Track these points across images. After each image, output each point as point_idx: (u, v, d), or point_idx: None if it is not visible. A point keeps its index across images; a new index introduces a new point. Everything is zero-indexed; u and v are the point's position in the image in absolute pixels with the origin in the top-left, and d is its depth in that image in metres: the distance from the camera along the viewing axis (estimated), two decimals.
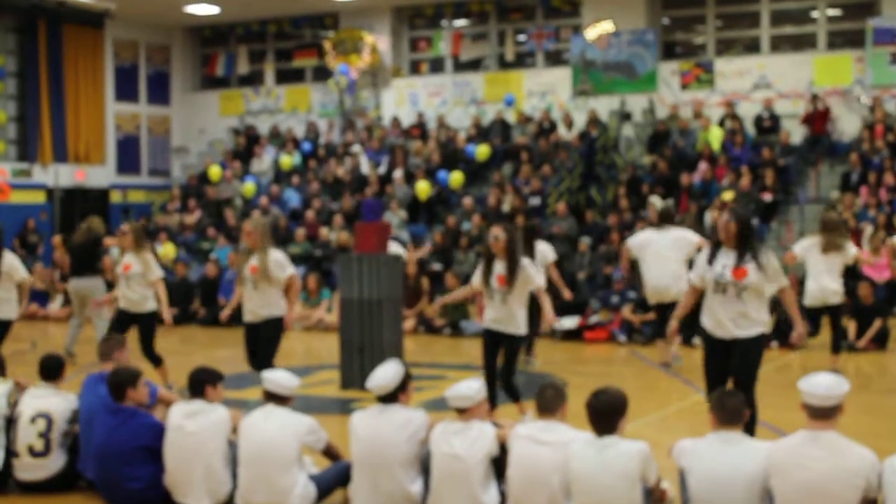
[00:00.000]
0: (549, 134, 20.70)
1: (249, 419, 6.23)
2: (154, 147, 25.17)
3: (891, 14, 19.28)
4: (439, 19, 23.51)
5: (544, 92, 21.94)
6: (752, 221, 7.11)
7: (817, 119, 19.33)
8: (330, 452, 6.39)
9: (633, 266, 12.66)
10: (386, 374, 6.11)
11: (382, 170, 21.24)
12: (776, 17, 20.85)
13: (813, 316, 11.08)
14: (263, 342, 9.30)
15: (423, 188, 19.66)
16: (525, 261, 8.35)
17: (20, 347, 13.00)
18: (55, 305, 18.41)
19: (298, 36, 24.65)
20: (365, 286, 10.48)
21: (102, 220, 13.67)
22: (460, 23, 23.48)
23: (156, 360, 10.21)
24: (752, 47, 20.97)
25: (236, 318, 10.02)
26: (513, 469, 5.59)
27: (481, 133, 21.53)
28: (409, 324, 14.82)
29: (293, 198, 21.40)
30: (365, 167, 21.48)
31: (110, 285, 13.07)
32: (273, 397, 6.27)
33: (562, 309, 14.13)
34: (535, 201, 18.84)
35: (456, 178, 19.72)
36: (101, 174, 23.70)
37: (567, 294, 12.80)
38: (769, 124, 19.72)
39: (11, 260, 10.17)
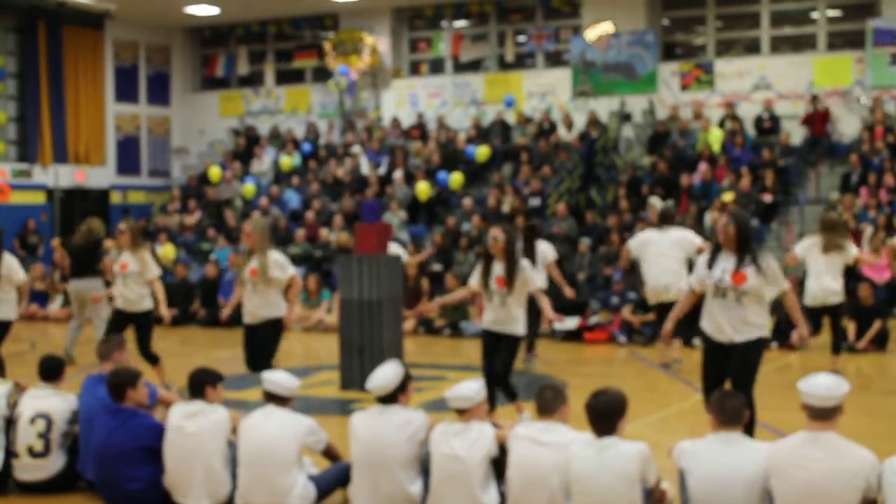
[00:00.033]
0: (548, 135, 20.70)
1: (249, 420, 6.23)
2: (154, 148, 25.18)
3: (891, 15, 19.29)
4: (439, 20, 23.51)
5: (544, 93, 21.94)
6: (750, 224, 7.08)
7: (817, 120, 19.33)
8: (330, 453, 6.39)
9: (634, 267, 12.66)
10: (386, 374, 6.11)
11: (382, 170, 21.24)
12: (776, 18, 20.86)
13: (813, 316, 11.08)
14: (263, 343, 9.31)
15: (422, 189, 19.66)
16: (524, 262, 8.35)
17: (20, 348, 13.00)
18: (55, 306, 18.41)
19: (298, 37, 24.65)
20: (365, 287, 10.48)
21: (102, 222, 13.68)
22: (460, 24, 23.48)
23: (152, 359, 10.23)
24: (752, 48, 20.97)
25: (236, 318, 10.03)
26: (512, 470, 5.59)
27: (481, 134, 21.53)
28: (408, 324, 14.82)
29: (293, 198, 21.40)
30: (365, 168, 21.48)
31: (110, 286, 13.08)
32: (273, 398, 6.27)
33: (562, 309, 14.15)
34: (534, 202, 18.84)
35: (456, 178, 19.72)
36: (101, 175, 23.70)
37: (569, 292, 12.81)
38: (769, 125, 19.72)
39: (10, 261, 10.17)
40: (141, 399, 6.57)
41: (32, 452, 6.67)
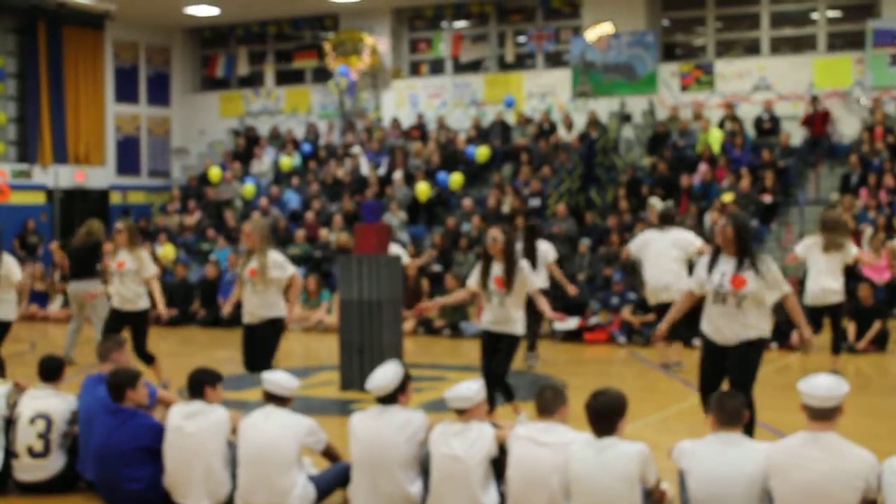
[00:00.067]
0: (548, 135, 20.71)
1: (249, 420, 6.23)
2: (154, 148, 25.18)
3: (890, 15, 19.29)
4: (439, 21, 23.51)
5: (544, 93, 21.94)
6: (749, 225, 7.05)
7: (817, 121, 19.33)
8: (329, 453, 6.39)
9: (634, 267, 12.65)
10: (385, 375, 6.11)
11: (382, 171, 21.24)
12: (776, 19, 20.86)
13: (814, 315, 11.09)
14: (262, 343, 9.31)
15: (422, 189, 19.66)
16: (523, 262, 8.35)
17: (20, 348, 13.00)
18: (55, 306, 18.41)
19: (298, 37, 24.65)
20: (364, 287, 10.48)
21: (102, 223, 13.68)
22: (460, 24, 23.48)
23: (147, 359, 10.23)
24: (752, 49, 20.97)
25: (236, 318, 10.03)
26: (512, 470, 5.59)
27: (481, 134, 21.54)
28: (408, 325, 14.82)
29: (293, 199, 21.40)
30: (365, 168, 21.48)
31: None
32: (273, 398, 6.27)
33: (563, 310, 14.14)
34: (534, 203, 18.84)
35: (456, 179, 19.73)
36: (101, 175, 23.70)
37: (572, 290, 12.84)
38: (769, 126, 19.72)
39: (9, 262, 10.18)
40: (140, 399, 6.57)
41: (32, 453, 6.67)
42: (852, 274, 13.12)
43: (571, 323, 14.31)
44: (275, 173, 22.70)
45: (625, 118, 20.78)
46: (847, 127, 19.47)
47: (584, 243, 17.17)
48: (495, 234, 8.23)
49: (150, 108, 25.08)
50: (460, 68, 23.31)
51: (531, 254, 11.65)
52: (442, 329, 15.34)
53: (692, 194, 18.16)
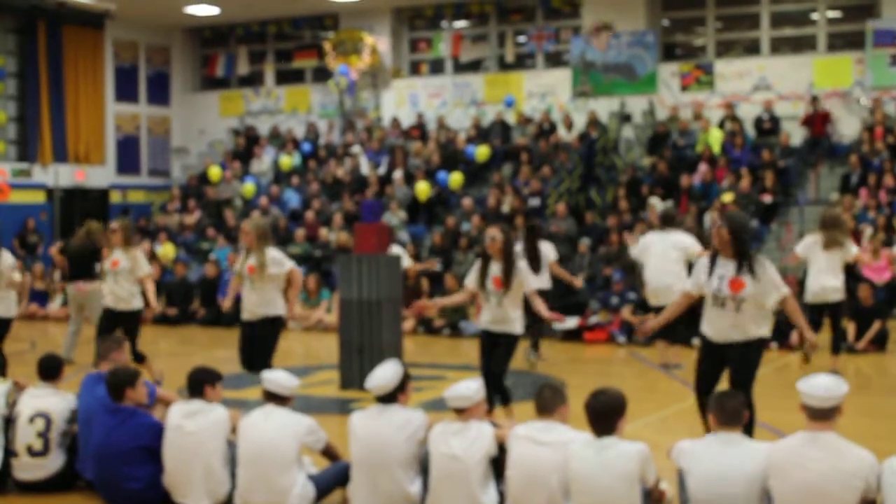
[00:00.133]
0: (548, 135, 20.70)
1: (249, 419, 6.23)
2: (154, 147, 25.18)
3: (890, 16, 19.28)
4: (439, 20, 23.50)
5: (544, 93, 21.94)
6: (746, 226, 6.98)
7: (817, 121, 19.33)
8: (329, 452, 6.39)
9: (633, 267, 12.66)
10: (385, 374, 6.11)
11: (382, 170, 21.23)
12: (776, 19, 20.85)
13: (814, 314, 11.10)
14: (261, 341, 9.30)
15: (422, 189, 19.67)
16: (521, 263, 8.34)
17: (20, 347, 12.99)
18: (55, 305, 18.41)
19: (298, 37, 24.65)
20: (364, 287, 10.48)
21: (101, 223, 13.66)
22: (460, 24, 23.48)
23: (139, 358, 10.25)
24: (752, 49, 20.97)
25: (237, 318, 10.03)
26: (512, 469, 5.59)
27: (481, 134, 21.53)
28: (408, 324, 14.82)
29: (293, 198, 21.40)
30: (365, 168, 21.48)
31: None
32: (273, 397, 6.27)
33: (563, 309, 14.15)
34: (534, 202, 18.84)
35: (456, 178, 19.73)
36: (100, 174, 23.70)
37: (578, 282, 12.91)
38: (769, 126, 19.72)
39: (7, 260, 10.18)
40: (140, 398, 6.57)
41: (31, 451, 6.67)
42: (852, 274, 13.13)
43: (571, 322, 14.31)
44: (275, 173, 22.70)
45: (625, 118, 20.78)
46: (847, 127, 19.47)
47: (584, 243, 17.17)
48: (494, 233, 8.21)
49: (150, 107, 25.08)
50: (460, 68, 23.31)
51: (534, 254, 11.66)
52: (441, 328, 15.35)
53: (692, 194, 18.16)
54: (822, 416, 5.16)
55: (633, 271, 14.65)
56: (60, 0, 22.09)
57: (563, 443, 5.46)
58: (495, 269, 8.20)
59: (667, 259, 11.48)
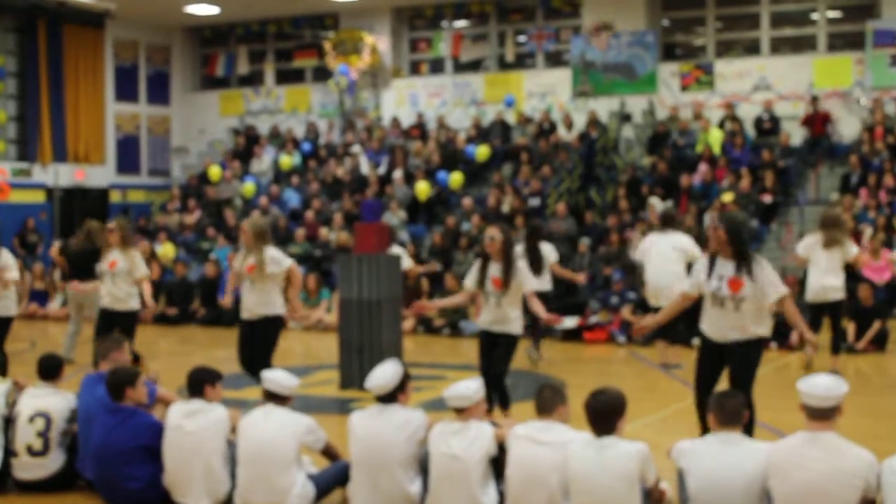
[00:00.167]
0: (548, 135, 20.70)
1: (248, 419, 6.23)
2: (154, 147, 25.18)
3: (890, 16, 19.28)
4: (439, 20, 23.50)
5: (544, 93, 21.94)
6: (743, 226, 6.98)
7: (817, 121, 19.33)
8: (329, 452, 6.39)
9: (634, 268, 12.67)
10: (385, 374, 6.11)
11: (382, 170, 21.24)
12: (776, 19, 20.86)
13: (814, 314, 11.11)
14: (261, 340, 9.29)
15: (422, 189, 19.67)
16: (520, 263, 8.33)
17: (19, 347, 12.99)
18: (55, 305, 18.40)
19: (298, 36, 24.65)
20: (364, 286, 10.48)
21: (101, 223, 13.65)
22: (460, 24, 23.48)
23: (134, 358, 10.25)
24: (752, 49, 20.97)
25: (237, 317, 10.03)
26: (511, 469, 5.59)
27: (481, 134, 21.53)
28: (408, 324, 14.82)
29: (293, 198, 21.40)
30: (365, 168, 21.48)
31: None
32: (272, 397, 6.27)
33: (563, 310, 14.17)
34: (534, 202, 18.84)
35: (456, 178, 19.73)
36: (100, 174, 23.70)
37: (581, 278, 12.93)
38: (769, 126, 19.72)
39: (6, 258, 10.18)
40: (140, 398, 6.57)
41: (31, 451, 6.67)
42: (852, 274, 13.13)
43: (571, 322, 14.31)
44: (275, 172, 22.70)
45: (625, 118, 20.78)
46: (847, 127, 19.47)
47: (584, 243, 17.18)
48: (493, 233, 8.19)
49: (149, 106, 25.07)
50: (460, 68, 23.31)
51: (535, 256, 11.66)
52: (441, 328, 15.35)
53: (692, 194, 18.16)
54: (821, 415, 5.17)
55: (633, 271, 14.66)
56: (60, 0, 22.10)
57: (562, 442, 5.46)
58: (494, 269, 8.18)
59: (667, 259, 11.49)
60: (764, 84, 20.21)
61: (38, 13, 22.22)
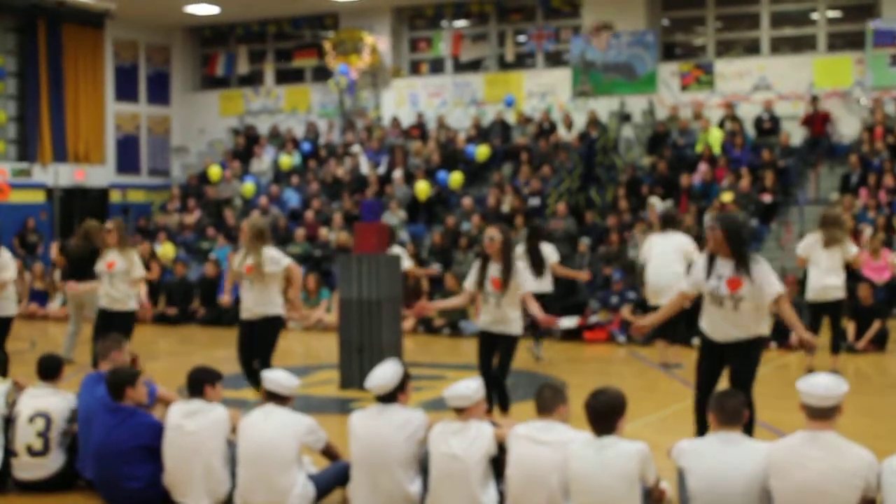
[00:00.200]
0: (548, 135, 20.70)
1: (249, 419, 6.22)
2: (154, 147, 25.18)
3: (891, 16, 19.29)
4: (439, 20, 23.51)
5: (544, 93, 21.94)
6: (741, 226, 6.96)
7: (817, 121, 19.34)
8: (329, 452, 6.39)
9: (634, 267, 12.67)
10: (385, 374, 6.10)
11: (382, 170, 21.24)
12: (776, 19, 20.86)
13: (814, 313, 11.11)
14: (260, 340, 9.28)
15: (422, 188, 19.67)
16: (519, 264, 8.33)
17: (19, 347, 12.98)
18: (55, 305, 18.40)
19: (298, 36, 24.65)
20: (364, 286, 10.48)
21: (100, 223, 13.64)
22: (460, 23, 23.48)
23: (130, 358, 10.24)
24: (752, 49, 20.97)
25: (237, 317, 10.03)
26: (512, 469, 5.59)
27: (481, 134, 21.54)
28: (408, 324, 14.82)
29: (293, 198, 21.40)
30: (364, 167, 21.48)
31: None
32: (273, 397, 6.27)
33: (563, 311, 14.18)
34: (534, 202, 18.85)
35: (455, 178, 19.73)
36: (100, 174, 23.70)
37: (584, 276, 12.98)
38: (769, 126, 19.72)
39: (5, 259, 10.18)
40: (140, 398, 6.57)
41: (31, 451, 6.67)
42: (852, 273, 13.13)
43: (571, 322, 14.31)
44: (274, 172, 22.70)
45: (625, 118, 20.78)
46: (847, 127, 19.48)
47: (584, 242, 17.18)
48: (492, 233, 8.19)
49: (149, 106, 25.08)
50: (460, 67, 23.31)
51: (536, 256, 11.66)
52: (441, 328, 15.35)
53: (692, 194, 18.16)
54: (821, 415, 5.16)
55: (632, 271, 14.66)
56: None
57: (562, 442, 5.46)
58: (494, 269, 8.18)
59: (667, 259, 11.50)
60: (764, 84, 20.22)
61: (37, 13, 22.22)
